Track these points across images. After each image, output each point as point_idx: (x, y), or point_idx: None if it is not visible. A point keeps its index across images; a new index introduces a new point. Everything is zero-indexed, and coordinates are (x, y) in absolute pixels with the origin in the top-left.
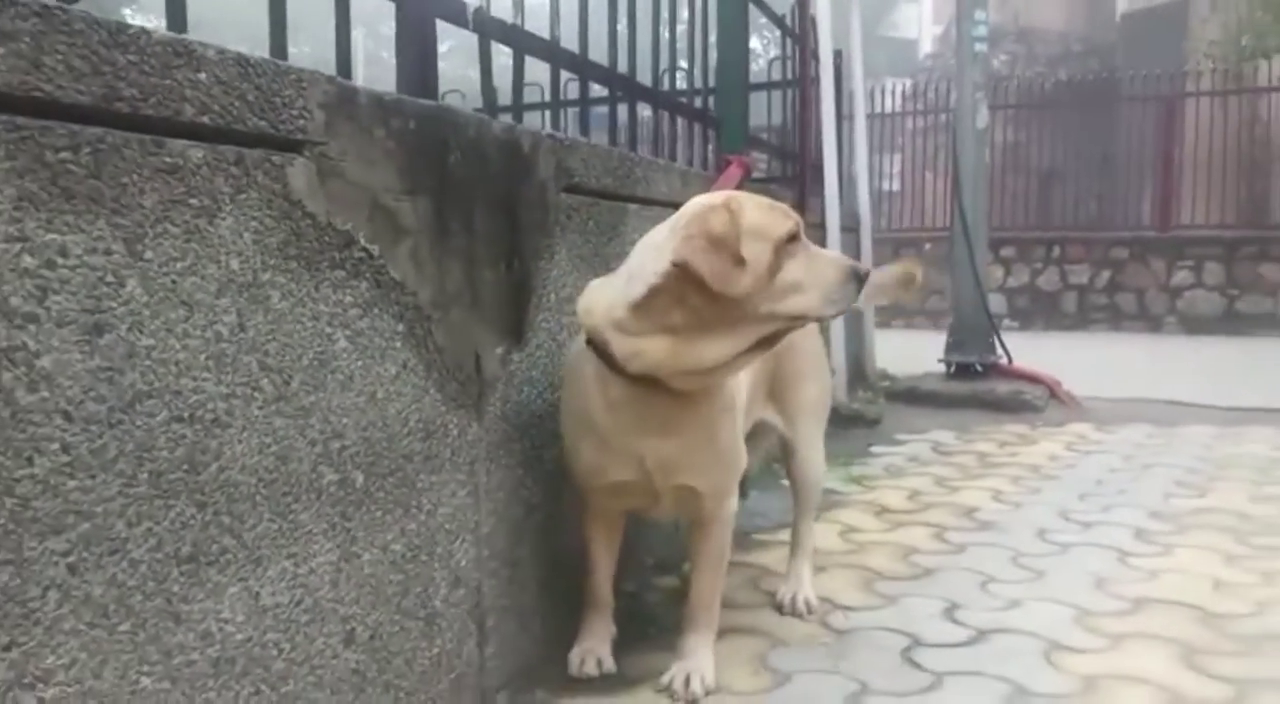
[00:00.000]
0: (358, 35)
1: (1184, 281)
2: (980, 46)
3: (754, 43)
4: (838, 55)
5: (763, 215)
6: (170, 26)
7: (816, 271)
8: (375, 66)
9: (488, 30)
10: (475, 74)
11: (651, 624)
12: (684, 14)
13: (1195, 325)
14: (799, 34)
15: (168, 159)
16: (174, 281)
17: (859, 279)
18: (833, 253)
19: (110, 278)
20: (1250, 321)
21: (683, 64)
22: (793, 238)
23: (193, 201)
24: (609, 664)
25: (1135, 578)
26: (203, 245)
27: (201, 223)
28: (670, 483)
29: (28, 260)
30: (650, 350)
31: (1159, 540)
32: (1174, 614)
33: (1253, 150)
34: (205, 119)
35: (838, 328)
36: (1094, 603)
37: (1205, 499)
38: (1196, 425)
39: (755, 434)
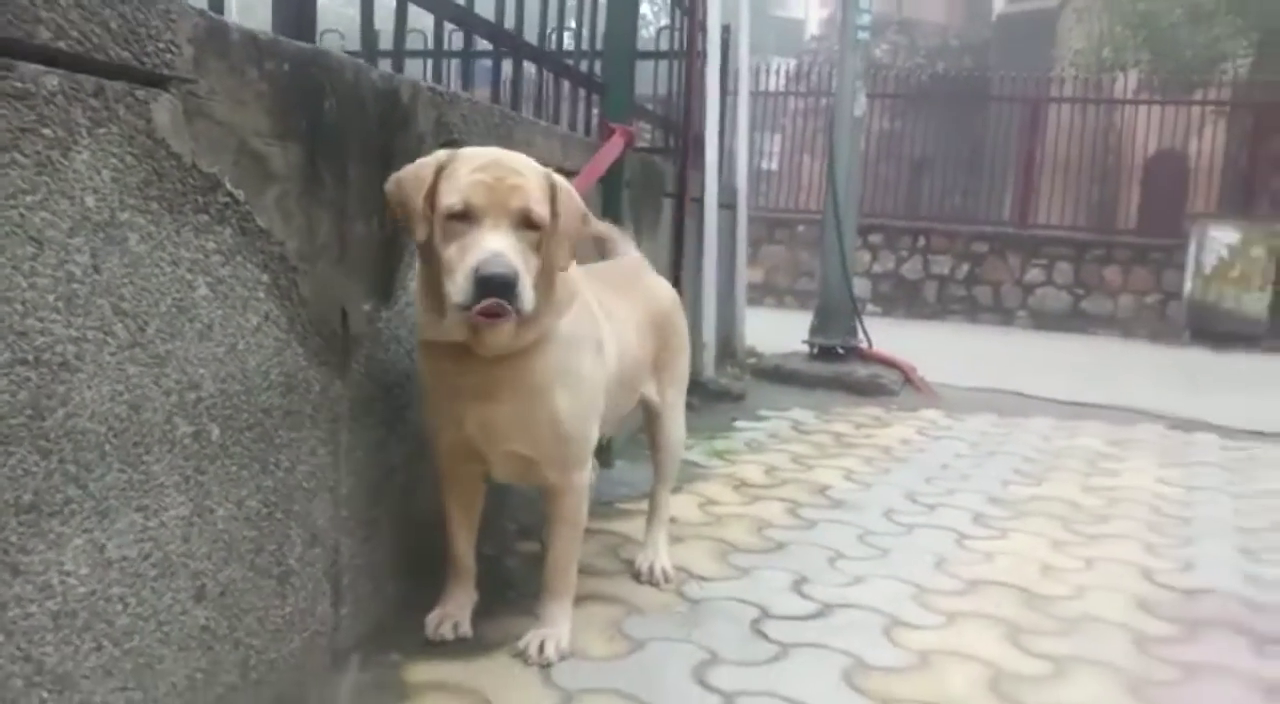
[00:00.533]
0: None
1: (1036, 279)
2: (863, 34)
3: (644, 9)
4: (725, 30)
5: (443, 182)
6: None
7: (463, 259)
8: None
9: None
10: (355, 14)
11: (510, 588)
12: None
13: (1044, 321)
14: (689, 5)
15: (18, 83)
16: (21, 215)
17: (477, 282)
18: (489, 246)
19: None
20: (1093, 321)
21: (570, 25)
22: (457, 215)
23: (45, 132)
24: (465, 629)
25: (971, 560)
26: (55, 179)
27: (55, 155)
28: (497, 449)
29: None
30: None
31: (995, 525)
32: (1004, 595)
33: (1106, 158)
34: (62, 44)
35: (709, 303)
36: (932, 582)
37: (1040, 488)
38: (1038, 417)
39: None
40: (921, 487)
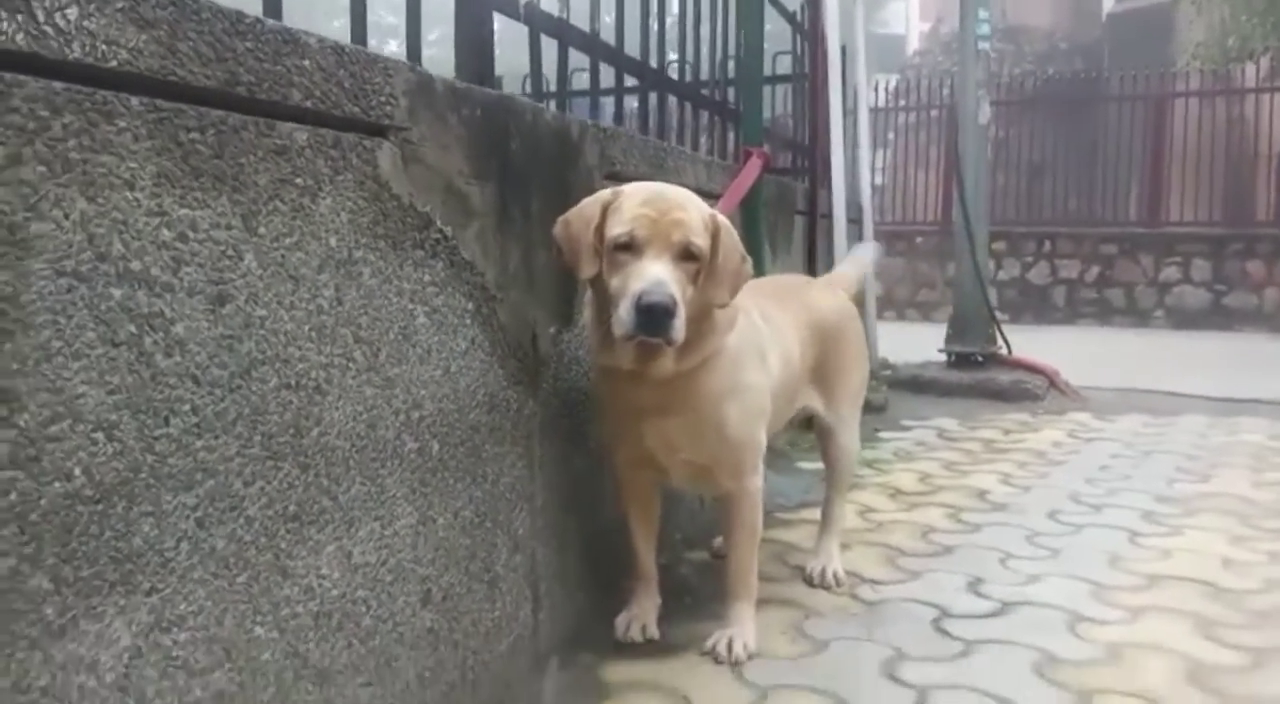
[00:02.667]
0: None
1: (1172, 277)
2: (984, 44)
3: None
4: (843, 50)
5: (610, 217)
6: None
7: (627, 288)
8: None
9: (537, 23)
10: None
11: (687, 594)
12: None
13: (1183, 320)
14: (811, 30)
15: (278, 141)
16: (283, 256)
17: (639, 310)
18: (651, 274)
19: (231, 251)
20: (1237, 316)
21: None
22: (622, 246)
23: (298, 181)
24: (653, 631)
25: (1148, 557)
26: (307, 223)
27: (306, 201)
28: (674, 458)
29: (165, 233)
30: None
31: (1167, 522)
32: (1188, 589)
33: (1239, 149)
34: (309, 103)
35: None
36: (1110, 579)
37: (1208, 484)
38: (1191, 415)
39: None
40: (1083, 487)
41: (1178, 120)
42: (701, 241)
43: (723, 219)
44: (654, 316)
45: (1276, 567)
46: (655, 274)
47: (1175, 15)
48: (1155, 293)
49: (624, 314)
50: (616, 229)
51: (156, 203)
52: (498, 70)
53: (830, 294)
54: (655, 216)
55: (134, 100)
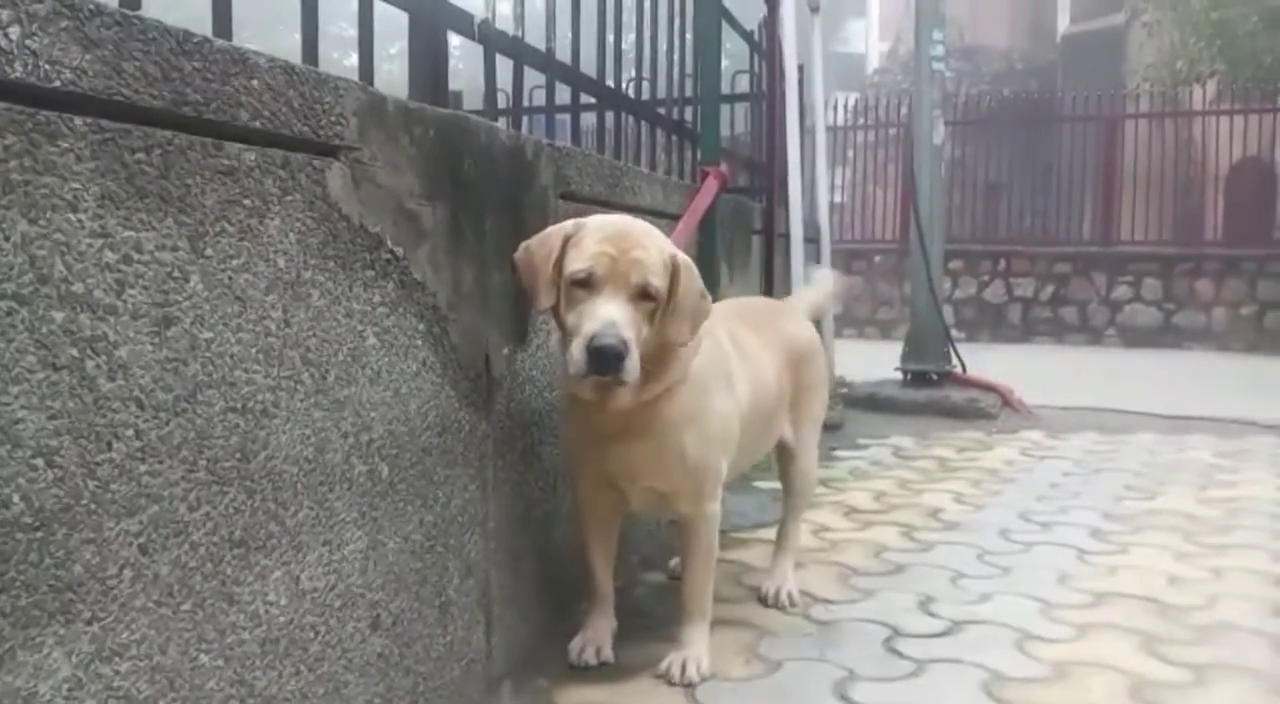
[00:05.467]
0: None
1: (1124, 296)
2: (938, 65)
3: None
4: (800, 70)
5: (570, 250)
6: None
7: (581, 327)
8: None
9: (491, 41)
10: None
11: (643, 616)
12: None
13: (1134, 338)
14: (768, 50)
15: (225, 161)
16: (230, 278)
17: (590, 352)
18: (604, 314)
19: (176, 273)
20: (1186, 335)
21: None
22: (580, 282)
23: (246, 202)
24: (607, 654)
25: (1095, 574)
26: (254, 244)
27: (253, 222)
28: (635, 484)
29: (109, 255)
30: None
31: (1114, 539)
32: (1133, 607)
33: (1188, 171)
34: (257, 123)
35: None
36: (1058, 597)
37: (1155, 502)
38: (1142, 433)
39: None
40: (1034, 505)
41: (1129, 141)
42: (659, 282)
43: (683, 258)
44: (604, 359)
45: (1219, 583)
46: (608, 315)
47: (1127, 37)
48: (1108, 311)
49: (576, 353)
50: (576, 265)
51: (100, 224)
52: (459, 87)
53: (801, 322)
54: (615, 255)
55: (78, 120)
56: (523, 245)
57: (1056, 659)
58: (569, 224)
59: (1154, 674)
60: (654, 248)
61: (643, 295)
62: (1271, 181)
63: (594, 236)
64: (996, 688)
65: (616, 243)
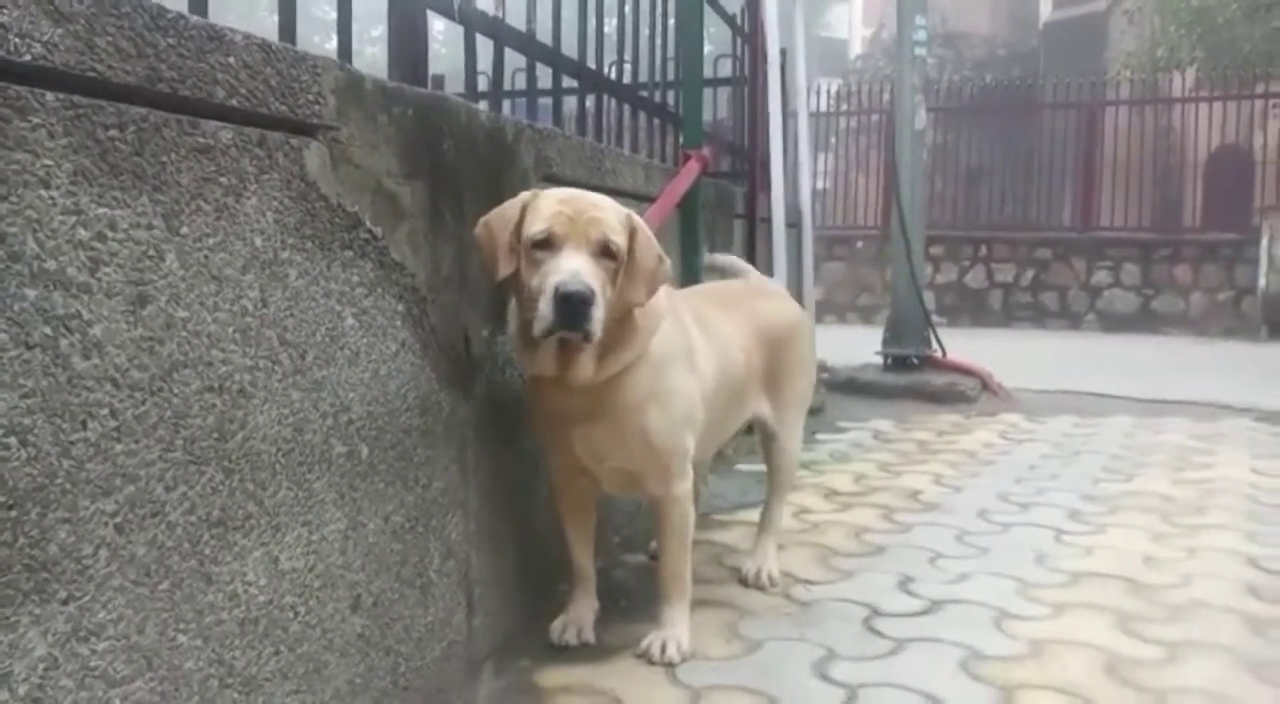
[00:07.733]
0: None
1: (1103, 281)
2: (920, 51)
3: None
4: (783, 54)
5: (528, 215)
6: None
7: (545, 283)
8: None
9: (472, 22)
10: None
11: (623, 597)
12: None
13: (1113, 323)
14: (750, 33)
15: (201, 139)
16: (206, 257)
17: (557, 299)
18: (569, 266)
19: (152, 252)
20: (1164, 320)
21: (630, 61)
22: (540, 243)
23: (223, 180)
24: (589, 635)
25: (1072, 554)
26: (231, 223)
27: (230, 201)
28: (601, 465)
29: (82, 233)
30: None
31: (1091, 521)
32: (1109, 586)
33: (1167, 157)
34: (234, 102)
35: None
36: (1035, 576)
37: (1131, 483)
38: (1119, 416)
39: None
40: (1012, 487)
41: (1109, 128)
42: (620, 239)
43: (638, 219)
44: (572, 306)
45: (1193, 562)
46: (573, 266)
47: (1109, 24)
48: (1087, 297)
49: (543, 308)
50: (535, 227)
51: (73, 201)
52: (441, 71)
53: (780, 300)
54: (572, 215)
55: (49, 96)
56: (482, 220)
57: (1034, 637)
58: (526, 194)
59: (1129, 652)
60: (610, 208)
61: (604, 253)
62: (1249, 168)
63: (550, 200)
64: (975, 666)
65: (573, 204)
